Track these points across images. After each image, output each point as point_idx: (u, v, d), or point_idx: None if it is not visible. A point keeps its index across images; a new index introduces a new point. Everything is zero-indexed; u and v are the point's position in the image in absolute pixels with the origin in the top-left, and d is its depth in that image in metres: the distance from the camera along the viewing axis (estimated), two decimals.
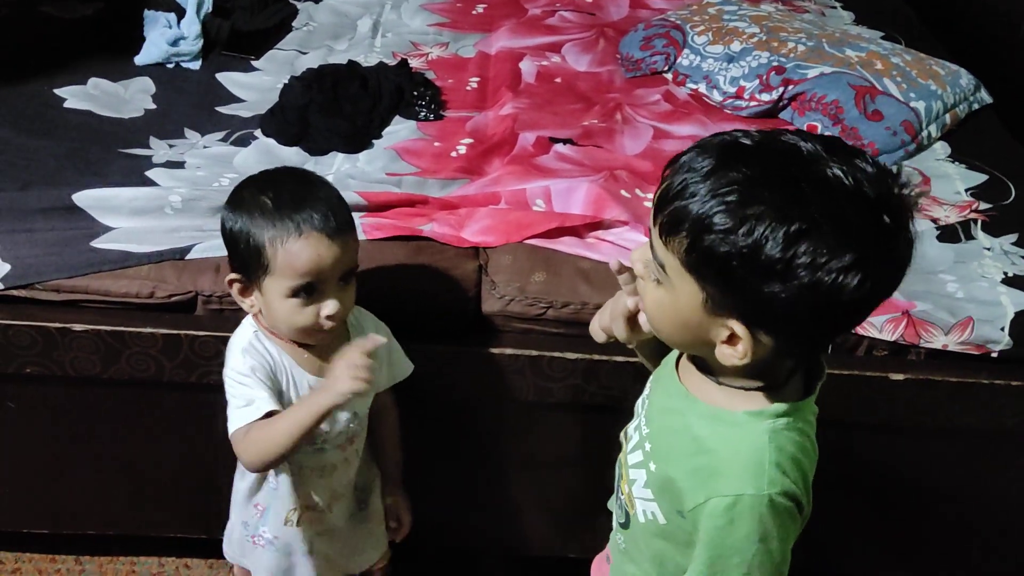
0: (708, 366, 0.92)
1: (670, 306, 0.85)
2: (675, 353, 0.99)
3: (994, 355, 1.45)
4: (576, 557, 1.54)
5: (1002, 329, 1.45)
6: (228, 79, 2.06)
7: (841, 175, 0.77)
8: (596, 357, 1.43)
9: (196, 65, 2.11)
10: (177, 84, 2.03)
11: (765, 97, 1.96)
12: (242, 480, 1.29)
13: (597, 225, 1.56)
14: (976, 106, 2.05)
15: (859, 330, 1.45)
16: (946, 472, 1.55)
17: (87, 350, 1.42)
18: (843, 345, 1.47)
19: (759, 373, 0.88)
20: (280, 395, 1.16)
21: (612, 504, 1.10)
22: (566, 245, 1.54)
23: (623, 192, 1.65)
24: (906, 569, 1.69)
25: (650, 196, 1.64)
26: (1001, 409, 1.43)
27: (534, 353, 1.45)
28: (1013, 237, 1.65)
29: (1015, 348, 1.44)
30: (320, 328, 1.14)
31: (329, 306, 1.12)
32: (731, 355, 0.83)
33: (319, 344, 1.19)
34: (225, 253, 1.43)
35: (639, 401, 1.06)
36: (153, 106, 1.93)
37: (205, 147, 1.80)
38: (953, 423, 1.46)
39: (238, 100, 1.99)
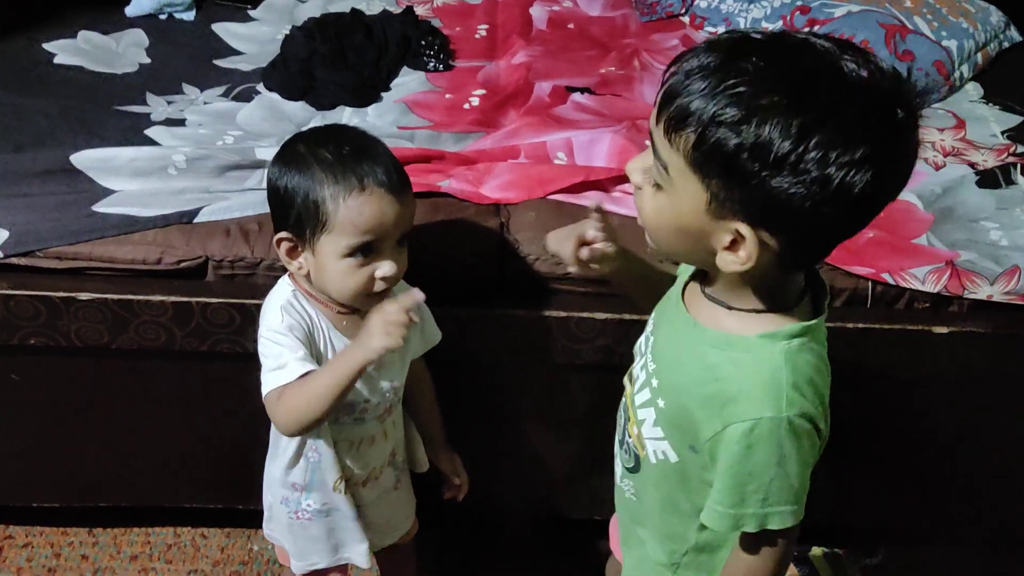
0: (717, 297, 0.90)
1: (670, 211, 0.83)
2: (678, 288, 0.98)
3: None
4: (601, 519, 1.52)
5: None
6: (225, 30, 1.99)
7: (856, 68, 0.75)
8: (626, 317, 1.38)
9: (190, 16, 2.03)
10: (171, 36, 1.95)
11: None
12: (275, 459, 1.25)
13: (623, 178, 1.50)
14: (1006, 44, 1.98)
15: (900, 282, 1.40)
16: (990, 426, 1.51)
17: (93, 320, 1.37)
18: (883, 298, 1.42)
19: (768, 293, 0.87)
20: (318, 359, 1.13)
21: (618, 452, 1.09)
22: (591, 200, 1.45)
23: (648, 142, 1.58)
24: (945, 525, 1.67)
25: None
26: None
27: (562, 314, 1.40)
28: None
29: None
30: (372, 291, 1.10)
31: (386, 267, 1.09)
32: (733, 261, 0.81)
33: (364, 309, 1.14)
34: (237, 215, 1.43)
35: (640, 341, 1.04)
36: (147, 60, 1.86)
37: (206, 103, 1.74)
38: (998, 376, 1.42)
39: (236, 53, 1.92)
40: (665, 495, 1.00)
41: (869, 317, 1.39)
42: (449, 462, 1.38)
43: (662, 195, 0.84)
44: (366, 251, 1.07)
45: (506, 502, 1.64)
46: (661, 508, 1.02)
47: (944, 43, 1.83)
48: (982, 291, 1.39)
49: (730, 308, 0.89)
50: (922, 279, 1.39)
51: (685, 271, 1.00)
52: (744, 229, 0.79)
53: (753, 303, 0.88)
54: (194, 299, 1.36)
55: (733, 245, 0.81)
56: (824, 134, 0.73)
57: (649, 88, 1.81)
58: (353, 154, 1.07)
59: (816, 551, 1.64)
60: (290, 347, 1.09)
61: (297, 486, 1.24)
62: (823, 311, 0.89)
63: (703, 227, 0.81)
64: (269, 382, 1.09)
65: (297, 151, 1.09)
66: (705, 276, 0.93)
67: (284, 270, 1.18)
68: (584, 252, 1.04)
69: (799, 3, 1.91)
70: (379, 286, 1.09)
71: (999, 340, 1.39)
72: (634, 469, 1.04)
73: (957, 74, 1.83)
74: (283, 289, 1.16)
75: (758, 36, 0.78)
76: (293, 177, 1.08)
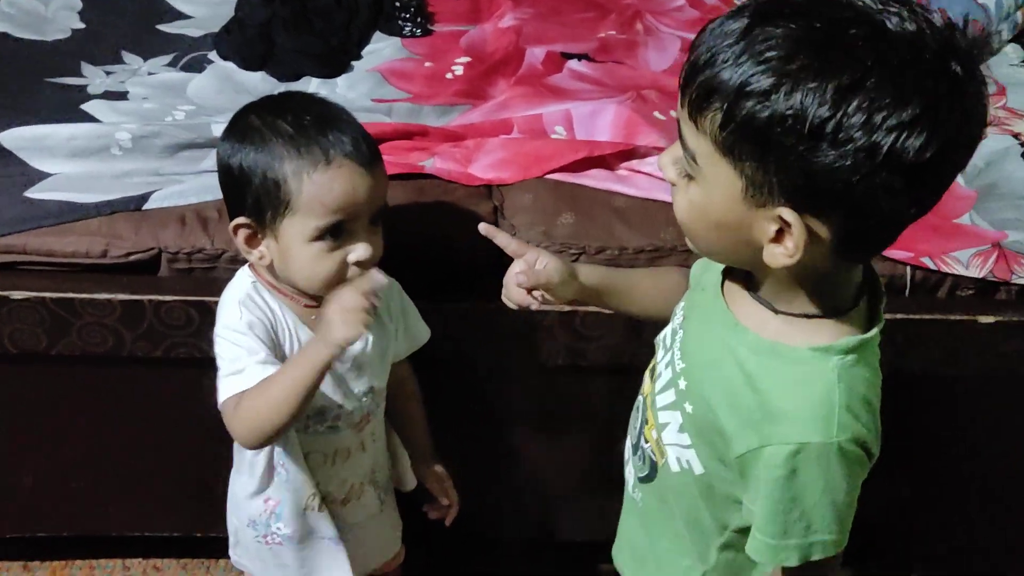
0: (763, 298, 0.90)
1: (704, 204, 0.83)
2: (716, 276, 0.97)
3: None
4: (605, 540, 1.55)
5: None
6: None
7: (901, 21, 0.74)
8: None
9: None
10: None
11: None
12: (241, 475, 1.26)
13: (630, 154, 1.53)
14: None
15: (941, 266, 1.44)
16: None
17: (29, 322, 1.37)
18: (923, 285, 1.45)
19: (822, 293, 0.87)
20: (282, 359, 1.13)
21: (630, 458, 1.09)
22: (595, 179, 1.51)
23: (656, 114, 1.62)
24: (992, 550, 1.69)
25: None
26: None
27: (565, 309, 1.41)
28: None
29: None
30: (346, 279, 1.10)
31: (359, 250, 1.09)
32: (781, 253, 0.81)
33: None
34: (193, 201, 1.44)
35: (665, 333, 1.05)
36: (81, 25, 1.87)
37: (150, 73, 1.75)
38: None
39: (183, 16, 1.93)
40: (685, 509, 1.01)
41: (908, 307, 1.42)
42: (437, 480, 1.38)
43: (694, 187, 0.84)
44: (336, 233, 1.08)
45: (500, 522, 1.66)
46: (679, 523, 1.03)
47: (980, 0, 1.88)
48: None
49: (777, 312, 0.89)
50: (966, 263, 1.43)
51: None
52: (789, 215, 0.78)
53: (804, 306, 0.87)
54: (146, 297, 1.36)
55: (779, 236, 0.80)
56: (865, 95, 0.72)
57: (655, 53, 1.84)
58: (316, 123, 1.07)
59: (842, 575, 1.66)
60: (249, 348, 1.10)
61: (267, 507, 1.24)
62: (880, 318, 0.89)
63: (742, 219, 0.81)
64: (225, 388, 1.09)
65: (251, 123, 1.10)
66: (749, 273, 0.92)
67: (246, 261, 1.18)
68: (525, 300, 1.08)
69: None
70: (353, 272, 1.10)
71: None
72: (648, 478, 1.05)
73: (996, 35, 1.88)
74: (242, 281, 1.16)
75: None
76: (248, 153, 1.08)
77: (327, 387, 1.17)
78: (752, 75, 0.74)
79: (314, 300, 1.15)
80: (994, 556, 1.70)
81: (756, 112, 0.75)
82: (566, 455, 1.59)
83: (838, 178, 0.74)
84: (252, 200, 1.09)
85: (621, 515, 1.16)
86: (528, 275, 1.06)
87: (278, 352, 1.13)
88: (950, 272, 1.44)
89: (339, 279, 1.10)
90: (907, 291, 1.45)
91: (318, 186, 1.06)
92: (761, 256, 0.83)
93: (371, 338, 1.19)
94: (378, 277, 1.05)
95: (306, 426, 1.19)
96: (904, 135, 0.72)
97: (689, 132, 0.81)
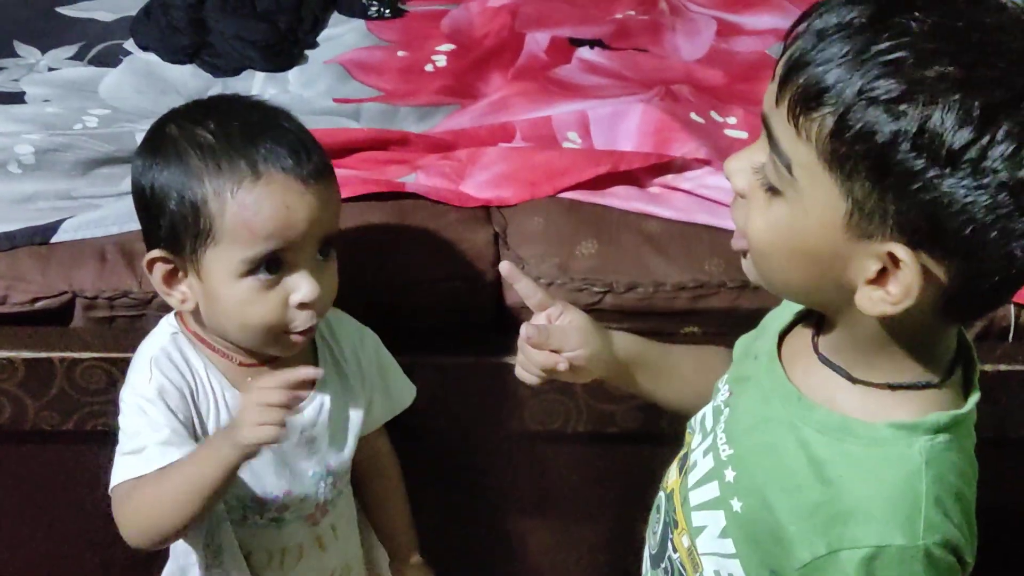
0: (835, 362, 0.89)
1: (792, 226, 0.83)
2: (770, 341, 0.97)
3: None
4: None
5: None
6: None
7: None
8: None
9: None
10: None
11: None
12: (175, 560, 1.23)
13: (664, 167, 1.51)
14: None
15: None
16: None
17: None
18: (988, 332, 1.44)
19: (914, 358, 0.86)
20: (200, 430, 1.13)
21: (647, 571, 1.09)
22: (622, 198, 1.49)
23: (693, 115, 1.61)
24: None
25: (732, 121, 1.60)
26: None
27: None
28: None
29: None
30: (289, 326, 1.09)
31: (304, 287, 1.08)
32: (882, 299, 0.80)
33: (283, 354, 1.14)
34: (115, 231, 1.41)
35: (704, 413, 1.04)
36: None
37: (51, 69, 1.73)
38: None
39: None
40: None
41: (1015, 356, 1.41)
42: None
43: (780, 204, 0.83)
44: (272, 267, 1.07)
45: None
46: None
47: None
48: None
49: (855, 381, 0.88)
50: None
51: (777, 316, 1.00)
52: (902, 252, 0.77)
53: (890, 373, 0.87)
54: (56, 354, 1.34)
55: (881, 276, 0.80)
56: (1017, 121, 0.73)
57: (684, 40, 1.84)
58: (243, 131, 1.08)
59: None
60: (152, 423, 1.09)
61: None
62: (975, 389, 0.89)
63: (838, 249, 0.81)
64: (119, 470, 1.09)
65: (167, 134, 1.11)
66: (819, 327, 0.92)
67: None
68: (561, 365, 1.06)
69: None
70: (298, 319, 1.09)
71: None
72: None
73: None
74: (161, 332, 1.16)
75: None
76: (162, 171, 1.09)
77: (266, 469, 1.16)
78: (878, 77, 0.74)
79: (252, 356, 1.15)
80: None
81: (880, 124, 0.74)
82: (575, 544, 1.58)
83: (969, 216, 0.75)
84: (167, 228, 1.09)
85: None
86: (540, 331, 1.06)
87: (196, 425, 1.13)
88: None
89: (281, 326, 1.10)
90: (1011, 335, 1.45)
91: (244, 207, 1.05)
92: (850, 300, 0.82)
93: (327, 405, 1.18)
94: (307, 371, 1.05)
95: (243, 517, 1.18)
96: None
97: (786, 136, 0.80)
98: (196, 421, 1.13)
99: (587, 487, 1.53)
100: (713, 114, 1.63)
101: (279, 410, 0.99)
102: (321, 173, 1.09)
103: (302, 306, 1.09)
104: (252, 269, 1.06)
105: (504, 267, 1.13)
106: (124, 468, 1.09)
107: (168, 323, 1.17)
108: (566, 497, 1.54)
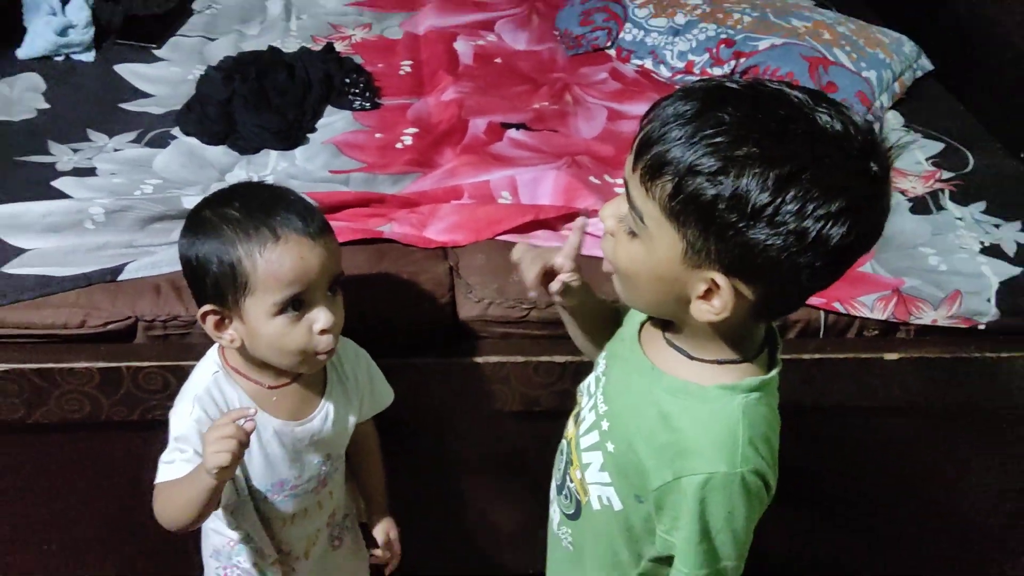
0: (679, 345, 0.91)
1: (645, 260, 0.85)
2: (633, 327, 0.98)
3: (981, 327, 1.48)
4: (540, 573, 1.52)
5: (988, 300, 1.48)
6: (129, 71, 1.92)
7: (830, 120, 0.77)
8: (586, 359, 1.38)
9: (89, 57, 1.96)
10: (71, 79, 1.88)
11: (716, 71, 1.95)
12: (207, 538, 1.21)
13: (572, 216, 1.52)
14: (919, 73, 2.10)
15: (851, 310, 1.46)
16: (944, 454, 1.57)
17: (9, 393, 1.29)
18: (835, 327, 1.47)
19: (733, 344, 0.89)
20: None
21: (555, 498, 1.09)
22: (541, 239, 1.49)
23: (591, 178, 1.62)
24: (901, 559, 1.70)
25: (620, 182, 1.61)
26: (993, 382, 1.46)
27: (519, 359, 1.40)
28: (981, 205, 1.69)
29: (1002, 319, 1.48)
30: (316, 349, 1.08)
31: (322, 318, 1.06)
32: (707, 310, 0.83)
33: (309, 371, 1.13)
34: (166, 271, 1.39)
35: (588, 381, 1.05)
36: (46, 105, 1.79)
37: (116, 150, 1.68)
38: (947, 401, 1.49)
39: (145, 95, 1.85)
40: (606, 545, 1.00)
41: (823, 347, 1.43)
42: (383, 533, 1.32)
43: (637, 243, 0.85)
44: (296, 305, 1.06)
45: (462, 565, 1.62)
46: (600, 558, 1.02)
47: (864, 74, 1.93)
48: (927, 316, 1.46)
49: (692, 359, 0.90)
50: (871, 307, 1.46)
51: (637, 312, 1.00)
52: (720, 279, 0.80)
53: (716, 354, 0.89)
54: (124, 364, 1.31)
55: (707, 294, 0.82)
56: (801, 187, 0.75)
57: (584, 123, 1.84)
58: (262, 206, 1.06)
59: None
60: (183, 441, 1.07)
61: (229, 536, 1.19)
62: (778, 363, 0.92)
63: (678, 276, 0.83)
64: (159, 471, 1.08)
65: (203, 217, 1.08)
66: (666, 322, 0.93)
67: None
68: (555, 284, 1.03)
69: (723, 36, 1.98)
70: (321, 343, 1.07)
71: (947, 364, 1.45)
72: (574, 516, 1.04)
73: (878, 104, 1.94)
74: (204, 372, 1.13)
75: (733, 85, 0.80)
76: (203, 244, 1.06)
77: (282, 463, 1.14)
78: (703, 155, 0.76)
79: (280, 378, 1.13)
80: (915, 550, 1.69)
81: (704, 189, 0.77)
82: (510, 495, 1.57)
83: (769, 254, 0.77)
84: (212, 286, 1.06)
85: (547, 552, 1.15)
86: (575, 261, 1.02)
87: None
88: (858, 315, 1.46)
89: (310, 349, 1.08)
90: (821, 333, 1.47)
91: (270, 263, 1.03)
92: (687, 309, 0.85)
93: (332, 414, 1.16)
94: (247, 409, 1.03)
95: (265, 497, 1.16)
96: (830, 224, 0.75)
97: (638, 195, 0.82)
98: None
99: (518, 452, 1.52)
100: (607, 177, 1.64)
101: (230, 439, 0.97)
102: (324, 230, 1.08)
103: (323, 332, 1.06)
104: (282, 309, 1.05)
105: (518, 250, 1.06)
106: (160, 472, 1.08)
107: (212, 361, 1.13)
108: (503, 461, 1.54)
